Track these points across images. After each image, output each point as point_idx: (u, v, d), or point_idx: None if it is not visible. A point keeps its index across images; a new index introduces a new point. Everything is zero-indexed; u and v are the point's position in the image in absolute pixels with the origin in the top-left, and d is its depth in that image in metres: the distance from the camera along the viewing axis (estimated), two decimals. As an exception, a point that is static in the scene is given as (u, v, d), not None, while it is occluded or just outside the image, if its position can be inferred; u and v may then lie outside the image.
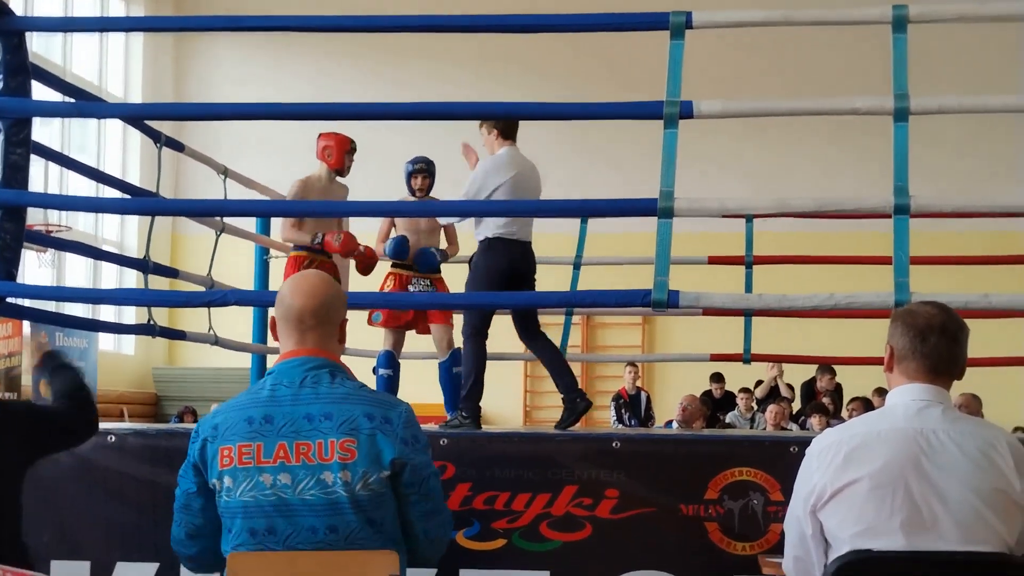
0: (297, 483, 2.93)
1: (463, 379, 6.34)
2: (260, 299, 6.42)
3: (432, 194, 7.51)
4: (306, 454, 2.94)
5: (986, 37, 15.10)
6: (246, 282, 8.12)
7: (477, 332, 6.29)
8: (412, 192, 7.47)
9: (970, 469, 2.79)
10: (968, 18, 4.88)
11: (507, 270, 6.26)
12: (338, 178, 7.46)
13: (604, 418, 14.07)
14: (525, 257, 6.39)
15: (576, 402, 6.13)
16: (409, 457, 2.98)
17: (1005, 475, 2.81)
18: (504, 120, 6.34)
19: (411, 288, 7.35)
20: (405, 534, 3.07)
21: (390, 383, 7.26)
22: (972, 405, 9.10)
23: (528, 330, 6.44)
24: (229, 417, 3.03)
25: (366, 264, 7.57)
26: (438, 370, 7.31)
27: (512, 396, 15.96)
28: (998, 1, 5.27)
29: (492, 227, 6.26)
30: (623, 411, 13.00)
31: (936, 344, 2.94)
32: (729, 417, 12.57)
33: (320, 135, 7.45)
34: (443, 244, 7.68)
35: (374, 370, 7.33)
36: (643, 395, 13.43)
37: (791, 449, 4.48)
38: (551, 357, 6.43)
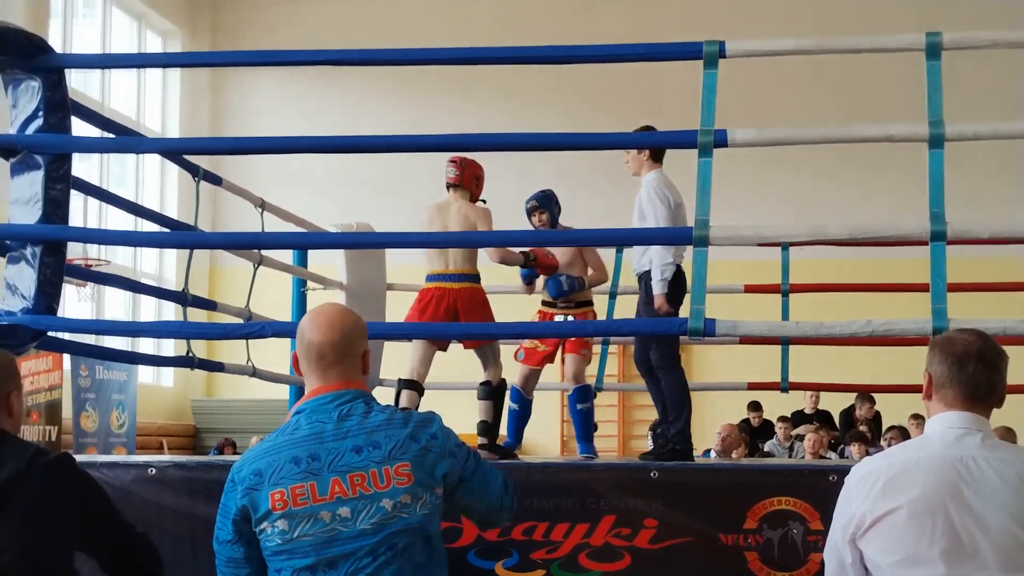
0: (357, 515, 2.93)
1: (672, 410, 6.05)
2: (297, 331, 6.41)
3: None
4: (362, 484, 2.94)
5: (1003, 63, 15.01)
6: (283, 313, 8.16)
7: (674, 362, 6.08)
8: None
9: (1010, 496, 2.77)
10: (1002, 44, 4.88)
11: (682, 300, 6.02)
12: None
13: (642, 448, 14.02)
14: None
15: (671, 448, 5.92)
16: (459, 464, 3.06)
17: (1046, 502, 2.79)
18: None
19: None
20: (490, 514, 3.24)
21: (515, 418, 7.04)
22: (1007, 439, 9.02)
23: (671, 358, 6.13)
24: (272, 461, 3.01)
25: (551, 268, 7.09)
26: (568, 402, 6.99)
27: (549, 426, 15.91)
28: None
29: (672, 254, 5.97)
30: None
31: (974, 371, 2.93)
32: (767, 446, 12.50)
33: (468, 161, 6.68)
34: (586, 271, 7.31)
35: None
36: (680, 424, 13.37)
37: (830, 478, 4.45)
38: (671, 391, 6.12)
